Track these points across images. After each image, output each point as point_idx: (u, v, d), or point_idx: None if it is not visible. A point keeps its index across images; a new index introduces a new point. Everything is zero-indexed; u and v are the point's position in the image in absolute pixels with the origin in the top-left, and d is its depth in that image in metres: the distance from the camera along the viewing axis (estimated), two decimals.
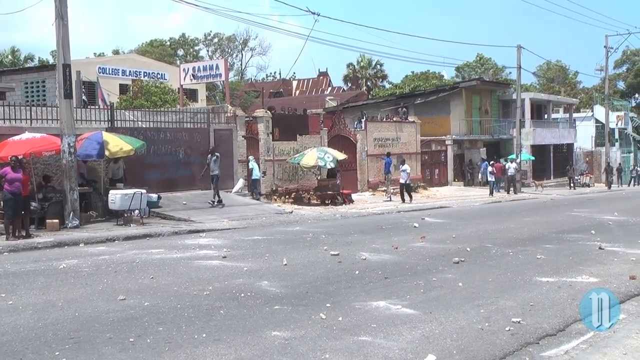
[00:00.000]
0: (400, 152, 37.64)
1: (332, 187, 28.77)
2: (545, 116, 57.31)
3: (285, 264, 12.34)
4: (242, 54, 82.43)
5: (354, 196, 30.08)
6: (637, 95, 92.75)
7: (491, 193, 36.48)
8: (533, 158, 48.08)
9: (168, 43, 76.22)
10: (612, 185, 50.80)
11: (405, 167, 29.98)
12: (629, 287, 10.57)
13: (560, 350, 7.22)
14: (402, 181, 29.89)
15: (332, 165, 27.82)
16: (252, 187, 26.86)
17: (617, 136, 63.60)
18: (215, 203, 23.22)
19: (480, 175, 42.89)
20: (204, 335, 7.52)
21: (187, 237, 17.21)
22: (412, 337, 7.54)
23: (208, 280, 10.82)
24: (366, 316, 8.48)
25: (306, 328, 7.88)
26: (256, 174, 26.79)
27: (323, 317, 8.36)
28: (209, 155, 23.87)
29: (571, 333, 7.94)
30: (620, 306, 9.40)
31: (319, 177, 29.79)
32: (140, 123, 24.99)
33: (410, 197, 29.89)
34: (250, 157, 27.13)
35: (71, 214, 18.50)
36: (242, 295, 9.64)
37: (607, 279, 11.27)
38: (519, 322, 8.20)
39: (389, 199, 31.24)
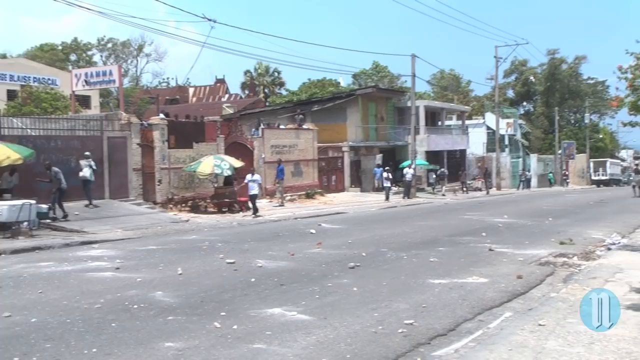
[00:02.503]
0: (298, 159, 37.87)
1: (229, 195, 28.57)
2: (439, 123, 58.75)
3: (180, 274, 12.19)
4: (137, 60, 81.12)
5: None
6: (525, 103, 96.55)
7: (387, 198, 37.10)
8: (427, 164, 49.23)
9: (60, 47, 73.87)
10: (490, 190, 52.22)
11: (256, 177, 27.74)
12: (516, 286, 11.02)
13: (450, 349, 7.45)
14: (251, 192, 27.07)
15: (229, 172, 27.63)
16: (86, 190, 23.86)
17: (507, 142, 66.01)
18: (60, 217, 21.70)
19: (375, 181, 43.67)
20: (95, 350, 7.32)
21: (79, 249, 16.71)
22: (307, 343, 7.59)
23: (100, 292, 10.55)
24: (261, 323, 8.48)
25: (200, 338, 7.80)
26: (88, 175, 23.72)
27: (218, 326, 8.30)
28: (48, 172, 21.91)
29: (461, 332, 8.21)
30: (507, 304, 9.80)
31: (215, 185, 29.54)
32: (29, 131, 24.13)
33: (256, 210, 26.70)
34: (87, 153, 24.17)
35: None
36: (135, 306, 9.46)
37: (496, 279, 11.71)
38: (411, 324, 8.40)
39: (281, 204, 31.38)
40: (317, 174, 40.26)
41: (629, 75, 14.79)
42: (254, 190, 27.04)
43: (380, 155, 46.04)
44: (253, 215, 26.19)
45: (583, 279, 11.54)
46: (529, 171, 64.99)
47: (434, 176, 46.94)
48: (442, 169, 48.86)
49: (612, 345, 7.22)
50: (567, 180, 72.99)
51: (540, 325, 8.13)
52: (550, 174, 71.62)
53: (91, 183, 23.94)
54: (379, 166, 43.13)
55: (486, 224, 22.31)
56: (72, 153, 24.25)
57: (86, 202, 23.77)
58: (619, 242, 17.11)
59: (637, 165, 62.48)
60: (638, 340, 7.37)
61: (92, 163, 23.89)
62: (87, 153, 24.06)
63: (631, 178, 45.94)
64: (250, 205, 27.13)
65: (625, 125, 16.34)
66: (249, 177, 27.39)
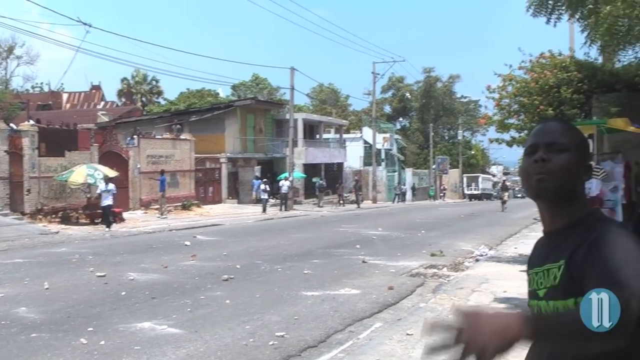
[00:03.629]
0: (174, 170, 37.33)
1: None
2: (317, 136, 59.46)
3: (47, 288, 11.74)
4: (7, 62, 77.41)
5: (125, 215, 29.21)
6: (401, 119, 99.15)
7: (264, 210, 37.12)
8: (305, 176, 49.66)
9: None
10: (361, 204, 53.22)
11: (110, 186, 25.90)
12: (387, 297, 11.26)
13: None
14: (104, 203, 25.66)
15: (102, 182, 26.84)
16: None
17: (383, 156, 67.54)
18: None
19: (254, 192, 43.57)
20: None
21: None
22: (176, 357, 7.49)
23: None
24: (130, 338, 8.29)
25: (65, 355, 7.54)
26: None
27: (84, 342, 8.04)
28: None
29: (332, 343, 8.30)
30: (378, 315, 10.00)
31: (88, 195, 28.66)
32: None
33: (112, 222, 25.70)
34: None
35: None
36: None
37: (368, 290, 11.92)
38: (283, 336, 8.42)
39: (165, 216, 30.89)
40: (194, 185, 39.81)
41: (496, 95, 15.57)
42: (108, 200, 25.67)
43: (259, 167, 46.07)
44: (107, 228, 24.97)
45: (451, 289, 11.93)
46: (404, 185, 66.72)
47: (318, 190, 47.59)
48: (321, 182, 49.45)
49: None
50: (444, 194, 75.53)
51: (408, 334, 8.33)
52: (432, 188, 74.13)
53: None
54: (257, 178, 43.08)
55: (361, 236, 22.69)
56: None
57: None
58: (487, 254, 17.83)
59: (504, 180, 65.41)
60: None
61: None
62: None
63: (505, 192, 47.96)
64: (111, 217, 25.76)
65: (492, 142, 17.14)
66: (102, 186, 25.80)
